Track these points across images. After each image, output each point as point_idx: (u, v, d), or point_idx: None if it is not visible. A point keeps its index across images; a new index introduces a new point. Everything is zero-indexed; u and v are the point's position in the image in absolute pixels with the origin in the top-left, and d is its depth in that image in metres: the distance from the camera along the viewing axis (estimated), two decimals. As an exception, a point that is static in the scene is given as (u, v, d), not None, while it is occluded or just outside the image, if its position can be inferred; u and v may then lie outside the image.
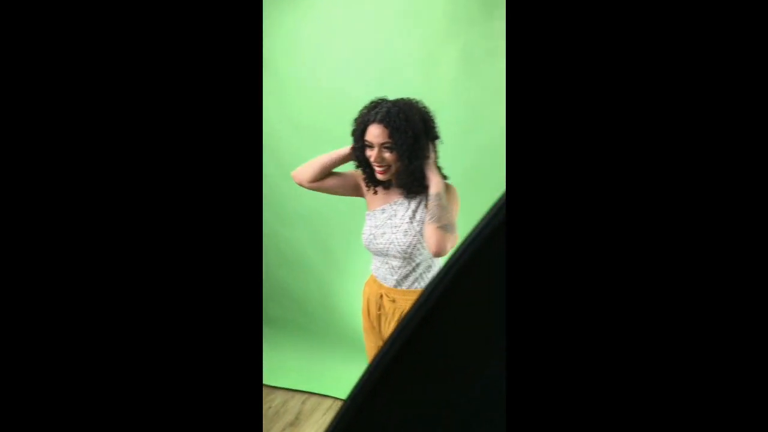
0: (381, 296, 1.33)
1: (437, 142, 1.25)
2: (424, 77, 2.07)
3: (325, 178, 1.34)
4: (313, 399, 2.13)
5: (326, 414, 2.02)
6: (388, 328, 1.34)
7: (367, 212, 1.34)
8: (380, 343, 1.39)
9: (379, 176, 1.22)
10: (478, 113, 2.01)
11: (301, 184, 1.37)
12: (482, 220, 0.39)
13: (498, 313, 0.46)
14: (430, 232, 1.15)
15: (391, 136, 1.15)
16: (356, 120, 1.22)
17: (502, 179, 1.99)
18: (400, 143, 1.14)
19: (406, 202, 1.27)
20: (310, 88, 2.31)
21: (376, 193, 1.32)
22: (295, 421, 2.01)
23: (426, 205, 1.23)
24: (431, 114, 1.23)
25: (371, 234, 1.30)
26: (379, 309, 1.35)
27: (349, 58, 2.20)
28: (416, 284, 1.29)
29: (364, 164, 1.26)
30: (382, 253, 1.29)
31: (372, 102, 1.22)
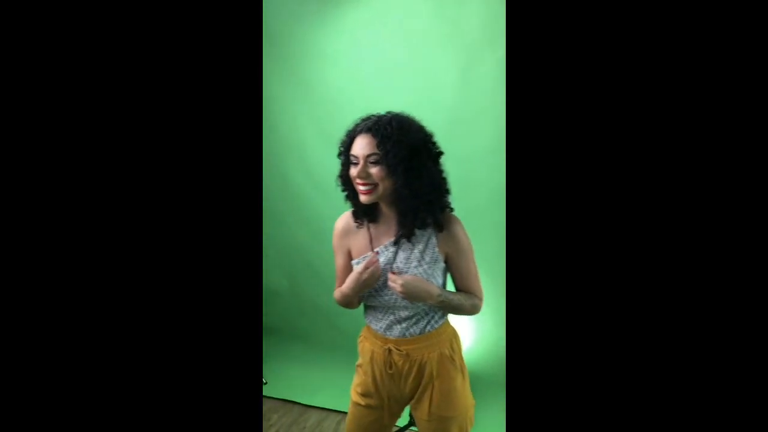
0: (390, 351, 1.08)
1: (440, 162, 1.02)
2: (460, 87, 2.03)
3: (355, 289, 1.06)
4: (348, 419, 2.07)
5: (361, 435, 1.95)
6: (406, 387, 1.10)
7: (354, 261, 1.10)
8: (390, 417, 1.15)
9: (363, 197, 0.97)
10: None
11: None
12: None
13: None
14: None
15: (379, 146, 0.93)
16: (345, 135, 1.02)
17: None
18: (391, 155, 0.92)
19: (407, 242, 1.03)
20: (344, 102, 2.29)
21: (361, 225, 1.09)
22: (330, 443, 1.95)
23: (437, 242, 1.02)
24: (430, 133, 1.01)
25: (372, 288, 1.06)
26: (391, 368, 1.09)
27: (382, 71, 2.18)
28: (429, 327, 1.07)
29: (348, 188, 1.04)
30: (386, 306, 1.07)
31: (366, 115, 1.03)
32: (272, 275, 2.74)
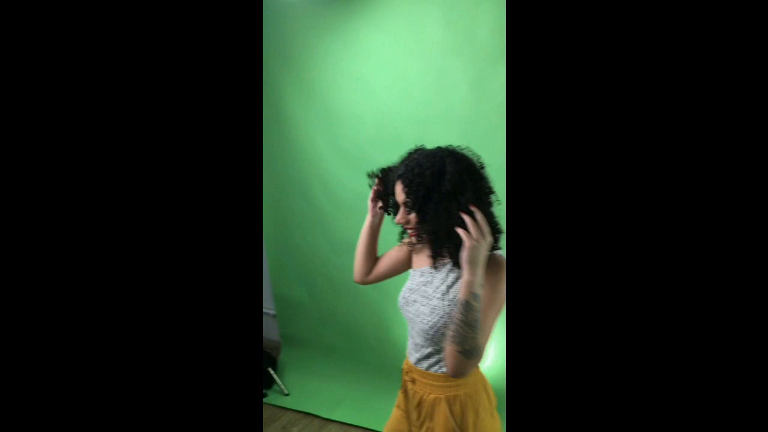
0: (406, 372, 1.14)
1: (492, 198, 0.99)
2: (473, 102, 2.04)
3: (376, 264, 1.25)
4: (368, 433, 2.07)
5: (381, 450, 1.94)
6: (412, 410, 1.11)
7: (411, 269, 1.17)
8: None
9: (413, 239, 1.04)
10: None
11: (364, 283, 1.30)
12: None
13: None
14: (449, 353, 0.94)
15: (407, 194, 0.97)
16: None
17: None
18: (414, 201, 0.96)
19: (445, 270, 1.04)
20: (358, 117, 2.34)
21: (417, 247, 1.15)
22: (350, 457, 1.95)
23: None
24: (468, 163, 0.98)
25: (404, 298, 1.10)
26: (404, 386, 1.14)
27: (396, 87, 2.21)
28: (440, 367, 1.05)
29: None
30: (410, 322, 1.09)
31: (407, 152, 1.05)
32: (293, 287, 2.78)
